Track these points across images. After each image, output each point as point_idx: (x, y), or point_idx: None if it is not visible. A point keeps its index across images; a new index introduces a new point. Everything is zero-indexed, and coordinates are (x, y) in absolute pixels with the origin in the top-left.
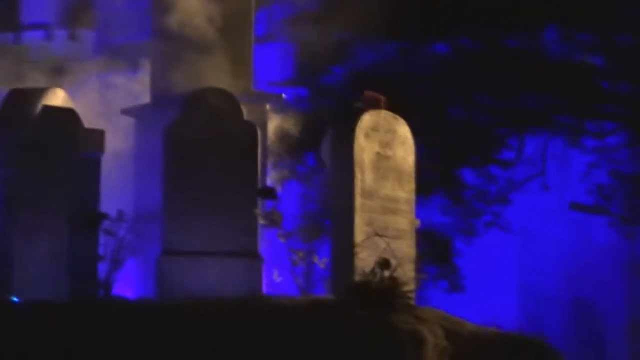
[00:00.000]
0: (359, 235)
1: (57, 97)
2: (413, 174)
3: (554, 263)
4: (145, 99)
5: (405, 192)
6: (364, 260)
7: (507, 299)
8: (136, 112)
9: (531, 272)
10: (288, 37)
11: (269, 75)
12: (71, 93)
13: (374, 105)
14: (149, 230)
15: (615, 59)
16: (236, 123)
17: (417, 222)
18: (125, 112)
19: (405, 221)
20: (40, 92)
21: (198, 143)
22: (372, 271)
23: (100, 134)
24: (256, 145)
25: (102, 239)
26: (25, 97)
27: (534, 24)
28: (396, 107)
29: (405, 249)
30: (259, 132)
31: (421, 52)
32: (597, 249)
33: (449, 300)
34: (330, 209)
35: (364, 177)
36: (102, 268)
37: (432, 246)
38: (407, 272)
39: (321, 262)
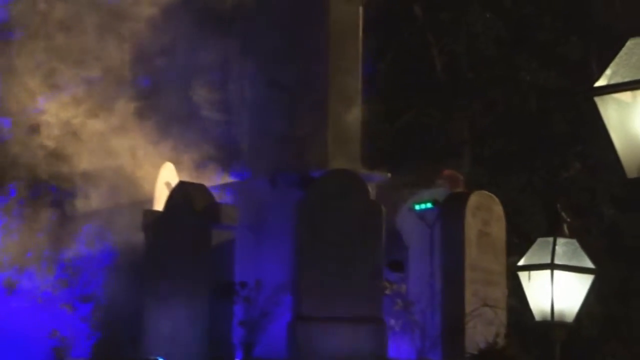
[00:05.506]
0: (467, 305)
1: (168, 170)
2: (504, 248)
3: None
4: None
5: (499, 265)
6: (474, 328)
7: None
8: (261, 192)
9: None
10: None
11: None
12: None
13: (454, 183)
14: (280, 298)
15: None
16: (362, 201)
17: (506, 292)
18: (246, 186)
19: (499, 291)
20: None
21: (327, 219)
22: (495, 339)
23: (233, 208)
24: (381, 221)
25: (241, 305)
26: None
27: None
28: None
29: (501, 318)
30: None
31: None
32: None
33: None
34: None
35: (471, 252)
36: (240, 332)
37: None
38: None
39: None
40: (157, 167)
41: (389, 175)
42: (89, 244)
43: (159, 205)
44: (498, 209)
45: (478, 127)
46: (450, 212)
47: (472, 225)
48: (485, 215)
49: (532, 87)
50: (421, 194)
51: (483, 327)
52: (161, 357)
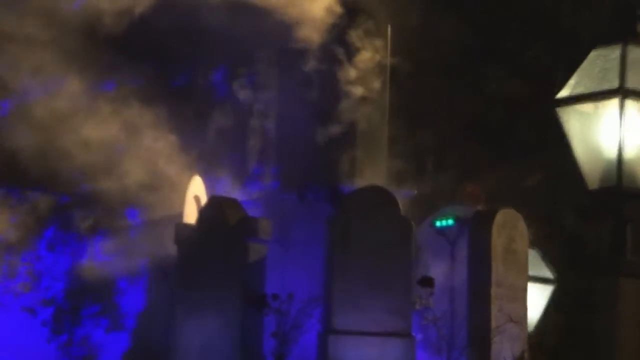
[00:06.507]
0: (493, 320)
1: (197, 183)
2: (527, 264)
3: None
4: None
5: (521, 281)
6: (500, 343)
7: None
8: (286, 205)
9: None
10: None
11: None
12: None
13: (476, 200)
14: (311, 310)
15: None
16: (393, 216)
17: (527, 307)
18: (274, 200)
19: (522, 307)
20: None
21: (359, 234)
22: (522, 354)
23: (267, 222)
24: (411, 236)
25: (273, 317)
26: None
27: (203, 65)
28: None
29: (525, 333)
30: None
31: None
32: None
33: (109, 338)
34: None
35: (497, 268)
36: (271, 343)
37: (95, 284)
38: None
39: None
40: (187, 180)
41: (416, 191)
42: (50, 248)
43: (189, 218)
44: (522, 226)
45: (443, 136)
46: (477, 229)
47: (498, 242)
48: (510, 233)
49: (497, 95)
50: (442, 210)
51: (509, 343)
52: None
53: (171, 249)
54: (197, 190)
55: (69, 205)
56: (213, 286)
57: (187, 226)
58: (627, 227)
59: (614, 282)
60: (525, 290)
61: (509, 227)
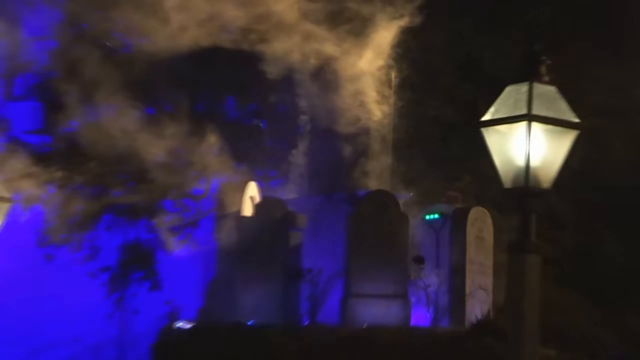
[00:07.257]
0: (467, 288)
1: (252, 187)
2: (492, 248)
3: None
4: None
5: (489, 261)
6: (472, 305)
7: (192, 296)
8: (315, 206)
9: None
10: (38, 97)
11: (23, 126)
12: None
13: (454, 200)
14: (334, 281)
15: (274, 123)
16: (395, 213)
17: (492, 279)
18: (307, 201)
19: (489, 280)
20: (243, 183)
21: (370, 225)
22: (488, 313)
23: (303, 216)
24: (407, 227)
25: (307, 285)
26: (233, 188)
27: (217, 94)
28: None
29: (490, 298)
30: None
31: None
32: None
33: (150, 295)
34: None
35: (470, 251)
36: (306, 305)
37: (139, 255)
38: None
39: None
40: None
41: (411, 194)
42: (107, 228)
43: (246, 213)
44: (489, 220)
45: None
46: (456, 222)
47: (471, 231)
48: (480, 225)
49: (435, 119)
50: (430, 208)
51: (478, 305)
52: (251, 321)
53: (233, 235)
54: (252, 192)
55: (120, 198)
56: (263, 263)
57: (245, 218)
58: (532, 217)
59: (521, 260)
60: (490, 267)
61: (480, 220)
